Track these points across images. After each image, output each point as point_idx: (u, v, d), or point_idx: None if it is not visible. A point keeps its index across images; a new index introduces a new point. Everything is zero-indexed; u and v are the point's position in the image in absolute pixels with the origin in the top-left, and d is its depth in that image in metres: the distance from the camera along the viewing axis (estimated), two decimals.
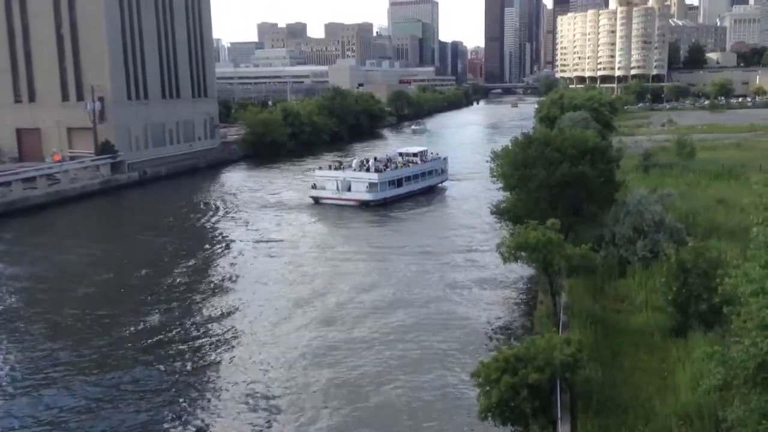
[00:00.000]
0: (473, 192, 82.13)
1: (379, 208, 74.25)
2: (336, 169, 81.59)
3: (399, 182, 79.15)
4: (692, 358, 24.29)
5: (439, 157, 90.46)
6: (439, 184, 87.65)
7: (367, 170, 78.77)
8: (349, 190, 76.40)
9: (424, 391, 30.39)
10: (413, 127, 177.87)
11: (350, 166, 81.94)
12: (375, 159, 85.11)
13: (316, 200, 76.97)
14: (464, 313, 40.33)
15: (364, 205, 74.69)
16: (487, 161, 51.26)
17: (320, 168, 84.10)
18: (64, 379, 32.31)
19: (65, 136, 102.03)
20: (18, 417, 28.85)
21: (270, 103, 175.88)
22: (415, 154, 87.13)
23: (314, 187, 78.62)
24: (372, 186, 75.98)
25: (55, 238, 65.37)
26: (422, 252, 54.94)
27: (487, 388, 22.71)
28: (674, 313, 29.43)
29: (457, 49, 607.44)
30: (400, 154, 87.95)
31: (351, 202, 75.33)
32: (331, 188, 77.03)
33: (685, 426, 21.31)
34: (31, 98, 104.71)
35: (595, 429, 21.83)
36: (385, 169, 79.23)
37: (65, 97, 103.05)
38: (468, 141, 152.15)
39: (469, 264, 50.98)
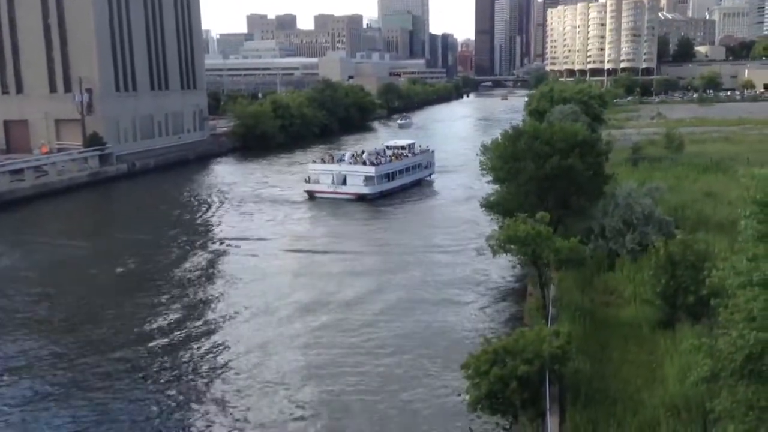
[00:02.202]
0: (461, 185, 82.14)
1: (375, 201, 73.95)
2: (327, 162, 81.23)
3: (392, 176, 78.83)
4: (680, 350, 24.43)
5: (428, 150, 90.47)
6: (427, 177, 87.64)
7: (364, 163, 78.31)
8: (344, 183, 75.56)
9: (415, 383, 30.46)
10: (399, 121, 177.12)
11: (342, 159, 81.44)
12: (363, 152, 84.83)
13: (311, 194, 75.85)
14: (456, 306, 40.43)
15: (361, 199, 74.08)
16: (477, 154, 51.28)
17: (314, 161, 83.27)
18: (43, 374, 31.99)
19: (53, 128, 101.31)
20: None
21: (260, 95, 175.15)
22: (403, 147, 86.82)
23: (308, 180, 77.50)
24: (369, 179, 75.28)
25: (42, 232, 64.80)
26: (417, 246, 54.80)
27: (477, 380, 22.77)
28: (662, 305, 29.58)
29: (447, 41, 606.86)
30: (388, 147, 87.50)
31: (348, 196, 74.52)
32: (327, 182, 75.89)
33: (672, 417, 21.45)
34: (19, 90, 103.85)
35: (584, 421, 21.94)
36: (378, 163, 78.94)
37: (53, 88, 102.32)
38: (457, 134, 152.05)
39: (461, 256, 50.94)
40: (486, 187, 52.53)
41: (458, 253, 51.80)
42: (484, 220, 51.50)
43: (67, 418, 28.09)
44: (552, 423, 21.91)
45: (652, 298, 30.35)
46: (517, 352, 22.77)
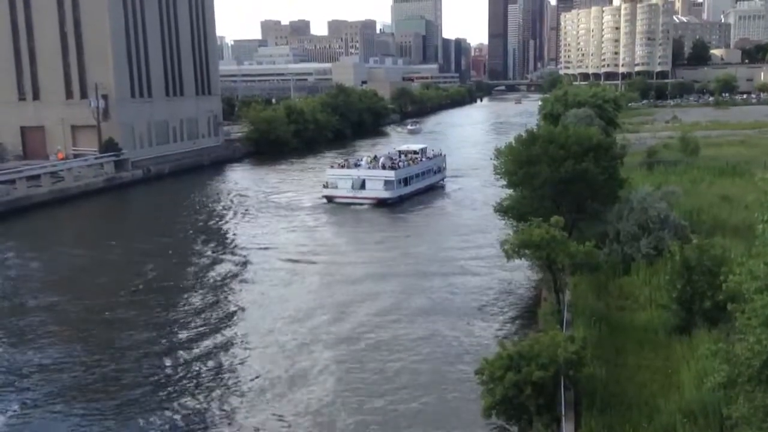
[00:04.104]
0: (474, 189, 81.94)
1: (395, 206, 73.65)
2: (342, 167, 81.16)
3: (408, 180, 78.49)
4: (696, 356, 24.27)
5: (440, 154, 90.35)
6: (440, 182, 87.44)
7: (383, 167, 78.03)
8: (363, 187, 75.33)
9: (428, 393, 30.45)
10: (409, 127, 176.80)
11: (358, 164, 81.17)
12: (375, 157, 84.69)
13: (330, 199, 75.47)
14: (469, 311, 40.33)
15: (381, 204, 73.63)
16: (491, 158, 51.14)
17: (331, 166, 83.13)
18: (59, 381, 32.09)
19: (69, 134, 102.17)
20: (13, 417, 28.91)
21: (273, 100, 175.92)
22: (416, 152, 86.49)
23: (326, 185, 77.03)
24: (388, 183, 75.02)
25: (59, 238, 65.27)
26: (431, 251, 54.69)
27: (491, 385, 22.70)
28: (678, 310, 29.34)
29: (460, 46, 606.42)
30: (401, 152, 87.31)
31: (368, 201, 74.15)
32: (346, 186, 75.45)
33: (689, 423, 21.24)
34: (35, 96, 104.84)
35: (599, 426, 21.78)
36: (396, 167, 78.36)
37: (69, 94, 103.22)
38: (470, 138, 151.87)
39: (477, 261, 50.77)
40: (500, 191, 52.30)
41: (476, 259, 51.63)
42: (498, 225, 51.25)
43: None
44: (567, 429, 21.79)
45: (667, 303, 30.11)
46: (531, 357, 22.69)
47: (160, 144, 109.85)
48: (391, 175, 75.64)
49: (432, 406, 28.82)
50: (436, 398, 29.53)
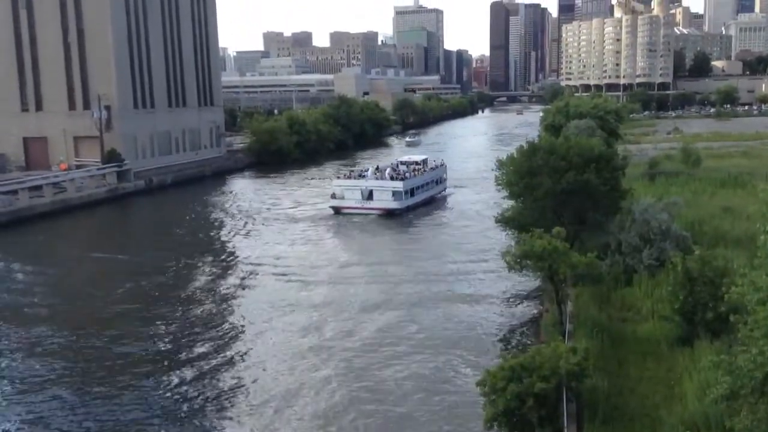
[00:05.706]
0: (475, 199, 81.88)
1: (402, 216, 73.55)
2: (348, 177, 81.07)
3: (413, 191, 78.39)
4: (699, 367, 24.20)
5: (442, 165, 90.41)
6: (442, 192, 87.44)
7: (392, 178, 77.92)
8: (370, 198, 75.37)
9: (430, 402, 30.38)
10: (407, 138, 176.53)
11: (363, 175, 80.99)
12: (377, 168, 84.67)
13: (337, 210, 75.41)
14: (471, 321, 40.24)
15: (388, 214, 73.50)
16: (492, 169, 51.15)
17: (338, 177, 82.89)
18: (56, 394, 31.77)
19: (72, 145, 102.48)
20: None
21: (275, 111, 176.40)
22: (417, 163, 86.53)
23: (334, 196, 76.94)
24: (396, 194, 74.96)
25: (60, 248, 65.21)
26: (436, 263, 54.35)
27: (493, 397, 22.62)
28: (681, 321, 29.29)
29: (462, 57, 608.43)
30: (402, 163, 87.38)
31: (376, 211, 73.99)
32: (354, 197, 75.31)
33: None
34: (38, 107, 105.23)
35: None
36: (402, 177, 78.24)
37: (72, 105, 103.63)
38: (471, 149, 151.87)
39: (480, 272, 50.65)
40: (501, 202, 52.24)
41: (478, 271, 51.52)
42: (500, 235, 51.16)
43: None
44: None
45: (670, 315, 30.06)
46: (533, 368, 22.61)
47: (162, 154, 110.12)
48: (399, 185, 75.57)
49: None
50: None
